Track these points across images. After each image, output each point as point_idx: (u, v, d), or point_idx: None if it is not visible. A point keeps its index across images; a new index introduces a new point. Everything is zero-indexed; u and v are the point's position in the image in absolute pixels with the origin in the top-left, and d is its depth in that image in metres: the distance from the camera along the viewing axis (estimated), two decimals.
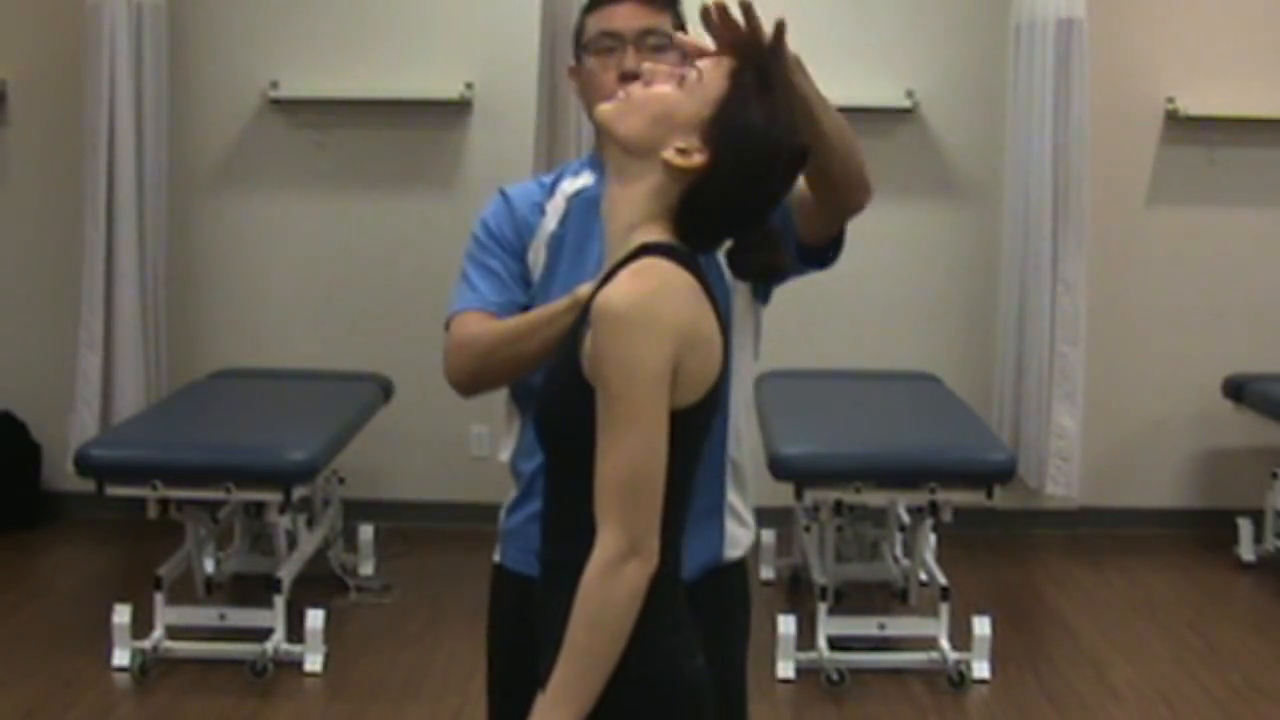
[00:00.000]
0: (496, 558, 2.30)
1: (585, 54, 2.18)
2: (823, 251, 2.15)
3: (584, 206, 2.16)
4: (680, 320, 1.70)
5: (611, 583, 1.65)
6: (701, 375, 1.73)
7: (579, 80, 2.21)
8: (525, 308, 2.14)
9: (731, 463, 2.18)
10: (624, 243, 1.78)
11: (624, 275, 1.72)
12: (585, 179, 2.20)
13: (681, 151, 1.76)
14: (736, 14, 1.80)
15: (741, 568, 2.22)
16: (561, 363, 1.81)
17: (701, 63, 1.81)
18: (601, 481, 1.68)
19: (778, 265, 1.86)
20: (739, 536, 2.20)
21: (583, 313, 1.76)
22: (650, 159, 1.77)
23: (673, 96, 1.78)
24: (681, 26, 2.19)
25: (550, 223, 2.18)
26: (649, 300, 1.68)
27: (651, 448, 1.67)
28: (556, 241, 2.16)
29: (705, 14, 1.83)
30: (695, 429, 1.76)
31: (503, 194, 2.24)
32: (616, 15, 2.15)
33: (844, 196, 2.07)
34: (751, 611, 2.27)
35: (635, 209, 1.78)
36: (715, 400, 1.78)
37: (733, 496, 2.19)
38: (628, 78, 2.06)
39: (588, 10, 2.20)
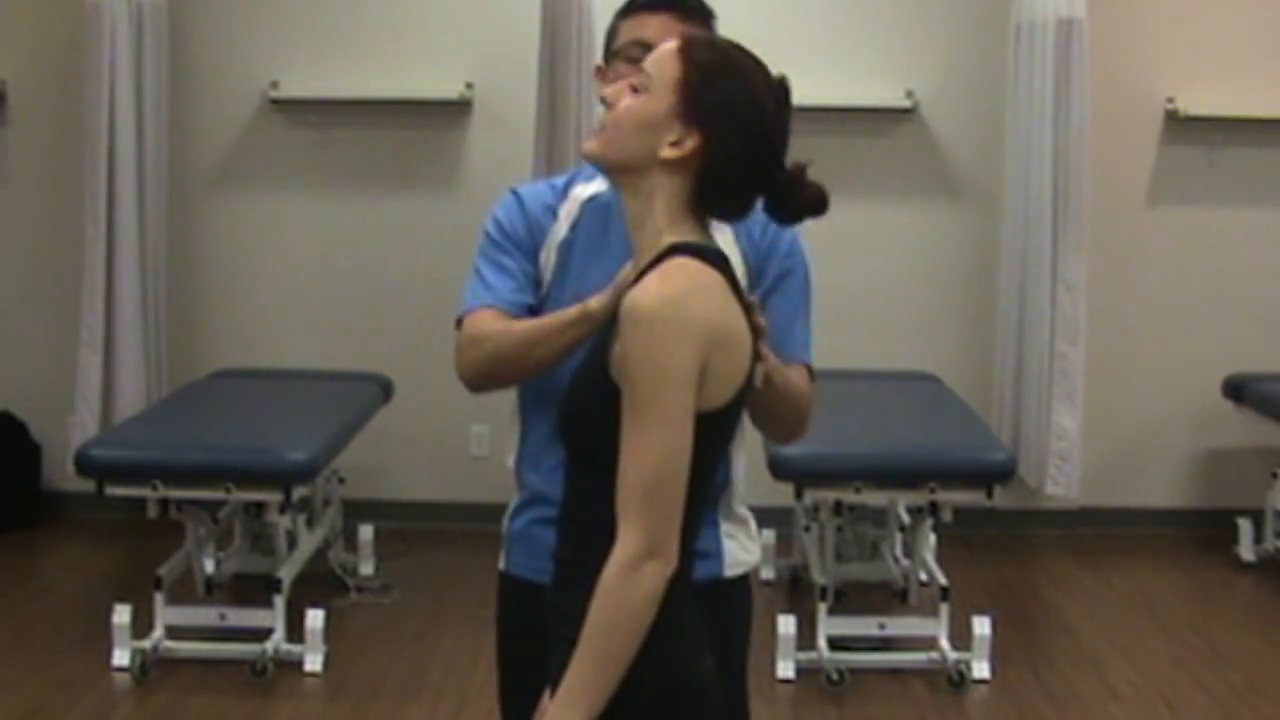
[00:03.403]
0: (501, 565, 2.28)
1: (615, 59, 2.16)
2: None
3: (597, 212, 2.16)
4: (709, 321, 1.70)
5: (630, 583, 1.66)
6: (729, 376, 1.74)
7: (605, 82, 2.18)
8: (534, 310, 2.13)
9: (731, 482, 2.19)
10: (654, 244, 1.78)
11: (652, 276, 1.72)
12: (599, 184, 2.18)
13: (675, 144, 1.76)
14: None
15: (745, 583, 2.23)
16: (589, 363, 1.81)
17: (647, 62, 1.82)
18: (624, 481, 1.68)
19: (819, 196, 1.81)
20: (738, 556, 2.20)
21: (612, 315, 1.76)
22: (651, 168, 1.78)
23: (638, 103, 1.79)
24: None
25: (562, 228, 2.17)
26: (678, 300, 1.69)
27: (676, 449, 1.67)
28: (566, 246, 2.16)
29: None
30: (720, 431, 1.77)
31: (515, 193, 2.22)
32: (650, 25, 2.14)
33: (775, 435, 2.21)
34: (752, 624, 2.28)
35: (658, 218, 1.79)
36: (742, 402, 1.78)
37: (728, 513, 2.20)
38: None
39: (622, 14, 2.19)
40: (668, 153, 1.76)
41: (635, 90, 1.80)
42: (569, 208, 2.18)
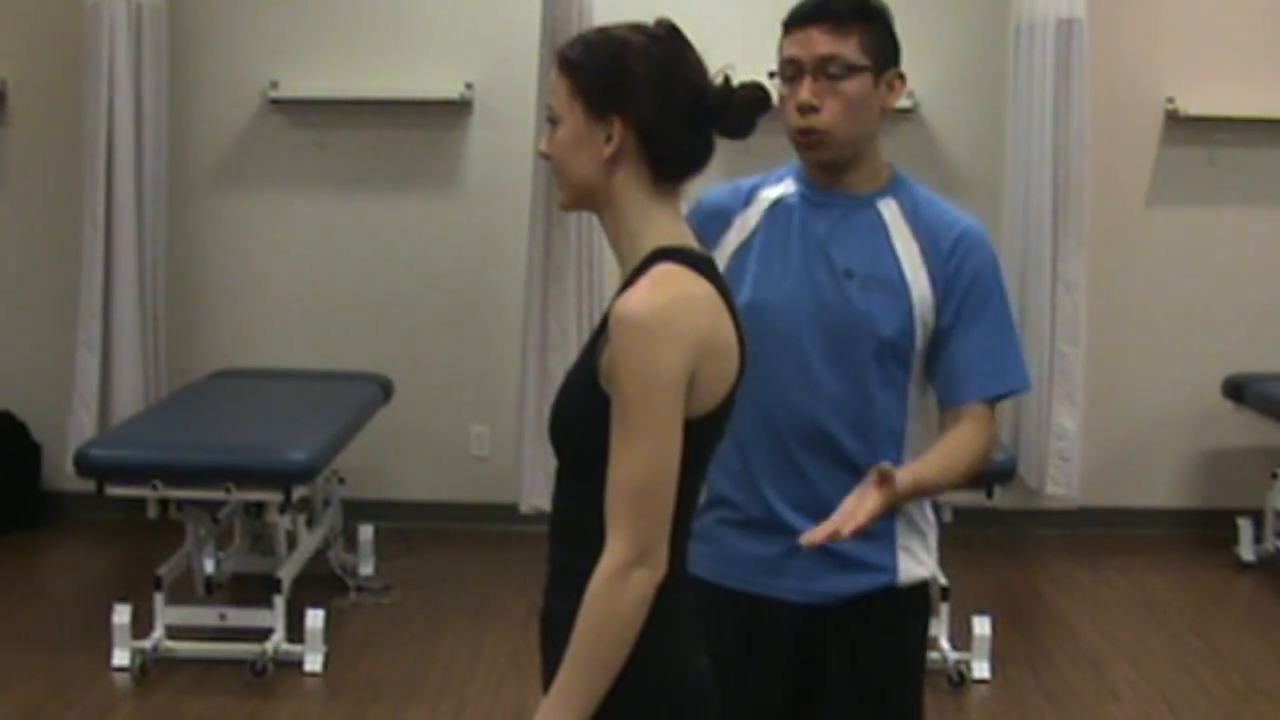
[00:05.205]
0: None
1: (777, 78, 2.13)
2: None
3: (781, 215, 2.17)
4: (698, 329, 1.71)
5: (618, 590, 1.66)
6: (717, 384, 1.74)
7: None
8: None
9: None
10: (634, 250, 1.78)
11: (643, 283, 1.72)
12: (786, 186, 2.20)
13: (608, 141, 1.76)
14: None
15: (918, 591, 2.26)
16: (578, 370, 1.81)
17: (549, 97, 1.84)
18: (613, 488, 1.68)
19: (754, 95, 1.79)
20: (910, 568, 2.22)
21: (601, 322, 1.76)
22: (605, 175, 1.78)
23: (560, 133, 1.80)
24: (883, 44, 2.11)
25: (735, 235, 2.19)
26: (667, 308, 1.69)
27: (665, 456, 1.68)
28: (741, 253, 2.18)
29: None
30: (708, 437, 1.77)
31: (698, 202, 2.23)
32: (799, 41, 2.11)
33: None
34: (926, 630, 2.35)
35: (630, 217, 1.79)
36: (729, 409, 1.79)
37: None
38: (803, 110, 2.09)
39: (784, 30, 2.16)
40: (607, 151, 1.76)
41: (554, 125, 1.81)
42: (749, 213, 2.20)
